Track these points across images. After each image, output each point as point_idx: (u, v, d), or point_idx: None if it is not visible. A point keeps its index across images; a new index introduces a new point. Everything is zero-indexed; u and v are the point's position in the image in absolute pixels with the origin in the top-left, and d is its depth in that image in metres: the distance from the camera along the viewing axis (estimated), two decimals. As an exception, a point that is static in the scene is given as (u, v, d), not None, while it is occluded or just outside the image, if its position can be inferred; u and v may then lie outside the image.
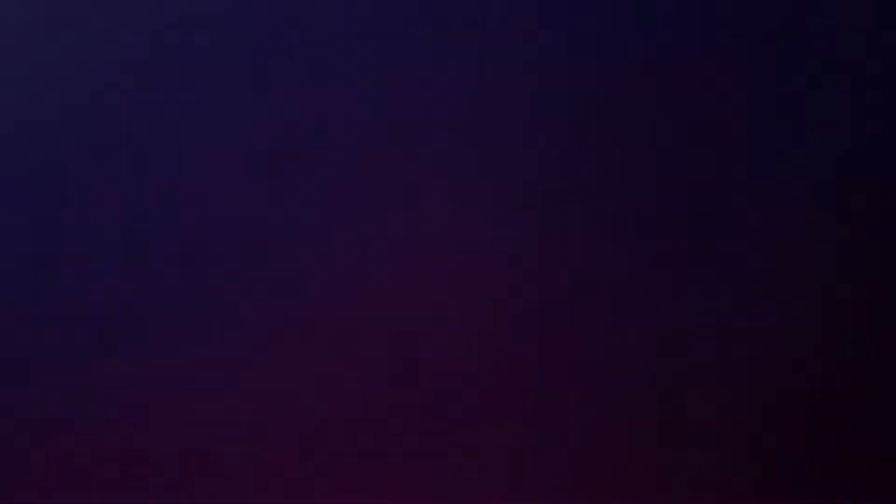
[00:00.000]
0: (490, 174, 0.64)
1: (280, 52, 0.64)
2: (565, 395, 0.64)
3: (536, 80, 0.64)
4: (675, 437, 0.64)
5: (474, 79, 0.64)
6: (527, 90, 0.64)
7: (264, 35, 0.64)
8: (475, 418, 0.63)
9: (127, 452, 0.62)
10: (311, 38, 0.64)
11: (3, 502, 0.62)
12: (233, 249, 0.63)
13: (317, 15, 0.64)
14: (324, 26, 0.64)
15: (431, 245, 0.64)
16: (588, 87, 0.64)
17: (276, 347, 0.63)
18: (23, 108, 0.63)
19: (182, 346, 0.63)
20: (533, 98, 0.64)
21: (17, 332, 0.62)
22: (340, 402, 0.63)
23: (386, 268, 0.63)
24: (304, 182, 0.63)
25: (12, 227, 0.63)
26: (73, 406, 0.62)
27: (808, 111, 0.65)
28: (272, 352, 0.63)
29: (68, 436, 0.62)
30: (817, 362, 0.64)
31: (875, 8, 0.65)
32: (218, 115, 0.63)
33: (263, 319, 0.63)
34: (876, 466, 0.64)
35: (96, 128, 0.63)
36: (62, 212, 0.63)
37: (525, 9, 0.64)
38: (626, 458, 0.64)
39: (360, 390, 0.63)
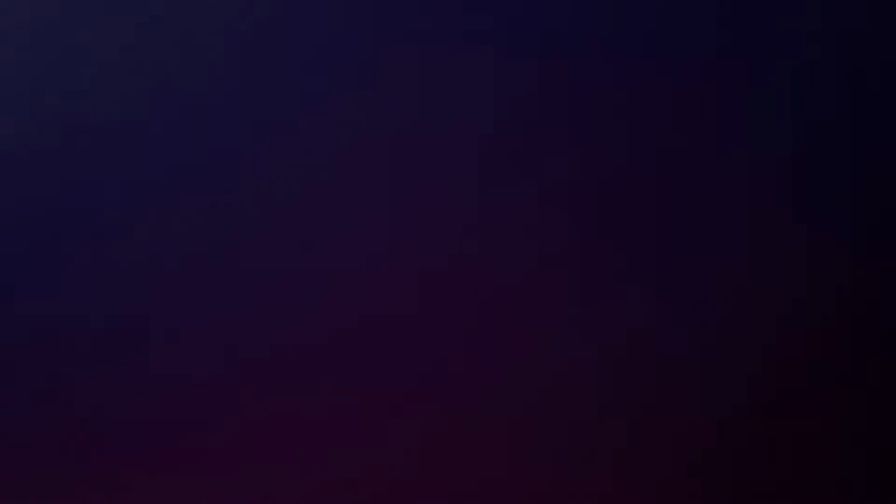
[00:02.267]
0: (479, 175, 0.64)
1: (277, 51, 0.64)
2: (555, 395, 0.64)
3: (521, 84, 0.64)
4: (670, 437, 0.64)
5: (462, 82, 0.64)
6: (513, 94, 0.64)
7: (265, 35, 0.64)
8: (470, 419, 0.63)
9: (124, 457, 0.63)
10: (307, 36, 0.64)
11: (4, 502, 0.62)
12: (234, 251, 0.63)
13: (315, 16, 0.64)
14: (322, 26, 0.64)
15: (423, 245, 0.64)
16: (567, 92, 0.64)
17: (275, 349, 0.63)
18: (21, 110, 0.63)
19: (180, 350, 0.63)
20: (518, 101, 0.64)
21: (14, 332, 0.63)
22: (339, 404, 0.63)
23: (382, 269, 0.64)
24: (302, 184, 0.63)
25: (11, 227, 0.63)
26: (67, 414, 0.63)
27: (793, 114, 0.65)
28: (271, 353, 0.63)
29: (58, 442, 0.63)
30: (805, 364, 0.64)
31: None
32: (218, 118, 0.64)
33: (262, 321, 0.63)
34: (876, 467, 0.64)
35: (96, 129, 0.63)
36: (61, 213, 0.63)
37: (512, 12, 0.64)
38: (621, 459, 0.64)
39: (359, 392, 0.63)
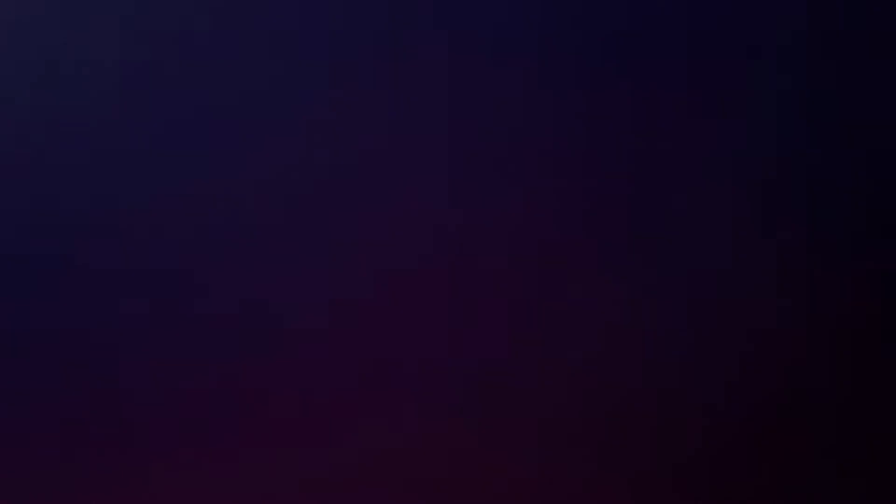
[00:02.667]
0: (474, 175, 0.64)
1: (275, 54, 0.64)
2: (549, 395, 0.64)
3: (520, 84, 0.64)
4: (669, 437, 0.64)
5: (462, 83, 0.64)
6: (508, 93, 0.64)
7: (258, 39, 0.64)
8: (471, 420, 0.63)
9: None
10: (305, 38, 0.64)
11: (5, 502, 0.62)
12: (234, 250, 0.63)
13: (313, 17, 0.64)
14: (319, 28, 0.64)
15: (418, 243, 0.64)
16: (563, 94, 0.64)
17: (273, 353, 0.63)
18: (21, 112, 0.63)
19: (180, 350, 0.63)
20: (513, 101, 0.64)
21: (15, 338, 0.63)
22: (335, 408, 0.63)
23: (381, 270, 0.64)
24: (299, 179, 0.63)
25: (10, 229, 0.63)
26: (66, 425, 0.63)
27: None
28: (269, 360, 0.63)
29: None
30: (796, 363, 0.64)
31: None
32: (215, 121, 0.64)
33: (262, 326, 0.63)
34: (875, 468, 0.64)
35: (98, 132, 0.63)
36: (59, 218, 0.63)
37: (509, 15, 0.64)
38: (623, 459, 0.64)
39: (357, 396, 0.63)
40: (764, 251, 0.64)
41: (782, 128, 0.65)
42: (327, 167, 0.64)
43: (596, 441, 0.64)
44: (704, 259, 0.64)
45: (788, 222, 0.64)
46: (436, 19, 0.64)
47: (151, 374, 0.63)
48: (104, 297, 0.63)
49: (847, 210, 0.65)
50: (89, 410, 0.63)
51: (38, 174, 0.63)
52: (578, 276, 0.64)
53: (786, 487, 0.64)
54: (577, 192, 0.64)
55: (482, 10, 0.64)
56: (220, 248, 0.63)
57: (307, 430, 0.63)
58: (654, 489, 0.64)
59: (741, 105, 0.64)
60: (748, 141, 0.64)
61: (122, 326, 0.63)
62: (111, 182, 0.63)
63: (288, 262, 0.63)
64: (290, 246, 0.63)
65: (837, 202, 0.65)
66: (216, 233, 0.63)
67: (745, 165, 0.64)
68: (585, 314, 0.64)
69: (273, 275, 0.63)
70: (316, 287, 0.63)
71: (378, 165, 0.64)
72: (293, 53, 0.64)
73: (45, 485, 0.63)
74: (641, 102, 0.64)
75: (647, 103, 0.64)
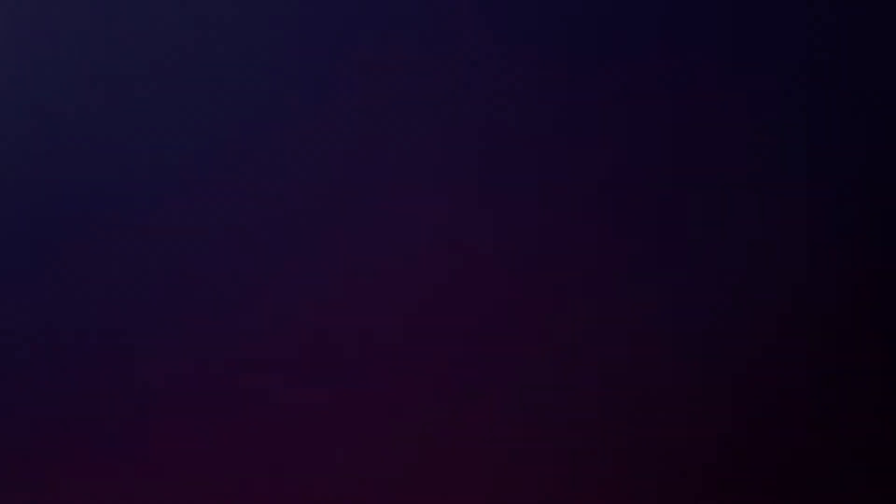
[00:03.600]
0: (475, 174, 0.64)
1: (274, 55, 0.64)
2: (552, 396, 0.64)
3: (521, 83, 0.64)
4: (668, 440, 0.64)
5: (463, 82, 0.64)
6: (511, 92, 0.64)
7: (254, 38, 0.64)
8: (466, 420, 0.63)
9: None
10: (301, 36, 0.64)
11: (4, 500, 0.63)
12: (234, 251, 0.63)
13: (312, 15, 0.64)
14: (317, 26, 0.64)
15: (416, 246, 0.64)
16: (572, 89, 0.64)
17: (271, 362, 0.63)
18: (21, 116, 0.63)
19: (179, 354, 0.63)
20: (519, 99, 0.64)
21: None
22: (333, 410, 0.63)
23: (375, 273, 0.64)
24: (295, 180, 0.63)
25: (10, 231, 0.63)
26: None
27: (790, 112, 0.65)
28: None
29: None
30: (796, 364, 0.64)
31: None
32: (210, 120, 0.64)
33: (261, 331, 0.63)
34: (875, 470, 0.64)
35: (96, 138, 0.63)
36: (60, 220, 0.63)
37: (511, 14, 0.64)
38: (618, 462, 0.64)
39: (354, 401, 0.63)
40: (772, 251, 0.64)
41: (793, 127, 0.65)
42: (327, 168, 0.64)
43: (606, 444, 0.64)
44: (715, 260, 0.64)
45: (803, 223, 0.64)
46: (437, 16, 0.64)
47: (151, 375, 0.63)
48: (103, 298, 0.63)
49: (853, 210, 0.65)
50: (89, 412, 0.63)
51: (39, 174, 0.63)
52: (584, 278, 0.64)
53: (799, 489, 0.64)
54: (582, 193, 0.64)
55: (483, 8, 0.64)
56: (220, 248, 0.63)
57: (307, 431, 0.63)
58: (667, 492, 0.64)
59: (748, 104, 0.64)
60: (756, 140, 0.64)
61: (121, 328, 0.63)
62: (112, 183, 0.63)
63: (288, 262, 0.63)
64: (291, 246, 0.63)
65: (844, 202, 0.65)
66: (215, 233, 0.63)
67: (751, 165, 0.64)
68: (593, 315, 0.64)
69: (274, 275, 0.63)
70: (316, 287, 0.63)
71: (379, 167, 0.64)
72: (292, 53, 0.64)
73: (44, 485, 0.63)
74: (650, 103, 0.64)
75: (655, 104, 0.64)
